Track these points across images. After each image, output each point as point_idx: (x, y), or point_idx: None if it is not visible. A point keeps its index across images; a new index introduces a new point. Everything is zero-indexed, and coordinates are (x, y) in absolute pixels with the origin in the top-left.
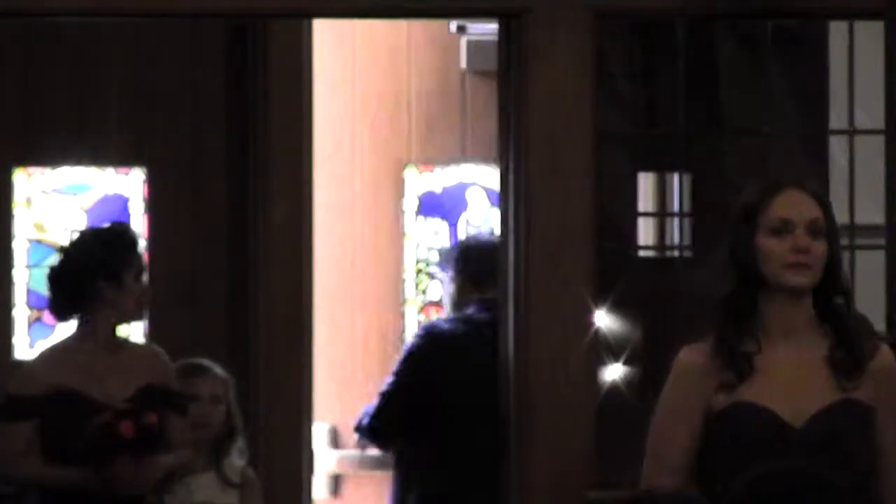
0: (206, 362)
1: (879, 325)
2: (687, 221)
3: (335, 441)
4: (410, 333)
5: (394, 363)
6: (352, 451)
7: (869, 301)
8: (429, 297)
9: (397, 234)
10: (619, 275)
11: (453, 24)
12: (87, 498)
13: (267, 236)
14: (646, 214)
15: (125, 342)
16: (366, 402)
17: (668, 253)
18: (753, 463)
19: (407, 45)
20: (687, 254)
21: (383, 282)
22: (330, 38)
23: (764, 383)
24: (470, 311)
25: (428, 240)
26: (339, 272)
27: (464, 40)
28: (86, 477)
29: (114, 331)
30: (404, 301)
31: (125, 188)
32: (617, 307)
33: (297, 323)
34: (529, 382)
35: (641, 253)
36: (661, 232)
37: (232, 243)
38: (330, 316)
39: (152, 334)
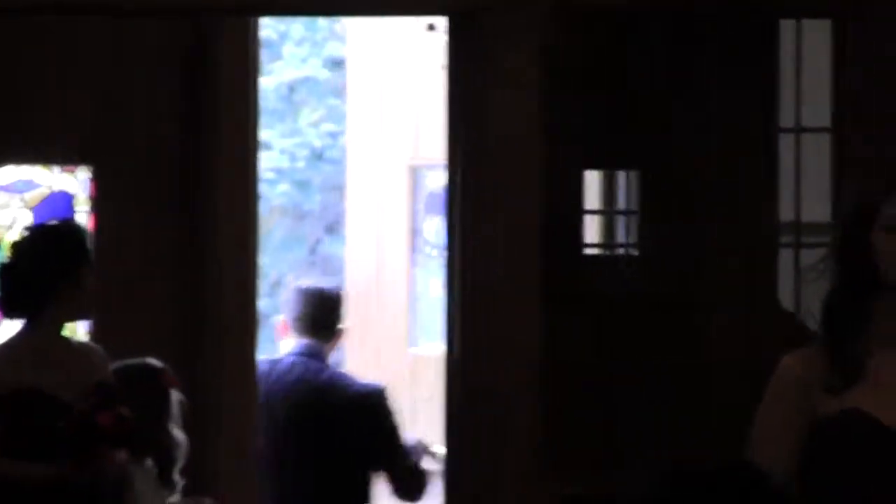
0: (156, 361)
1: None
2: (633, 219)
3: None
4: (419, 330)
5: (409, 359)
6: None
7: (815, 298)
8: (434, 295)
9: (411, 232)
10: (565, 272)
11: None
12: (46, 494)
13: (214, 234)
14: (592, 212)
15: (70, 340)
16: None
17: (615, 251)
18: (857, 472)
19: (409, 41)
20: (633, 252)
21: (401, 280)
22: (361, 35)
23: (873, 389)
24: (283, 354)
25: (432, 237)
26: (366, 271)
27: (436, 38)
28: (61, 472)
29: (62, 329)
30: (415, 298)
31: (71, 186)
32: (563, 305)
33: (244, 322)
34: (475, 381)
35: (588, 251)
36: (608, 230)
37: (179, 242)
38: (358, 314)
39: (97, 333)
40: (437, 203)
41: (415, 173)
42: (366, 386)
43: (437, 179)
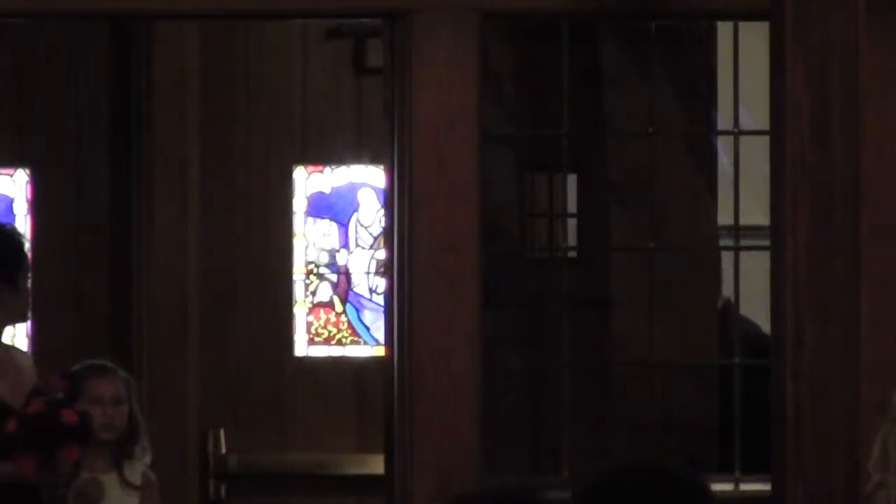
0: (109, 363)
1: (762, 326)
2: (572, 222)
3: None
4: (299, 335)
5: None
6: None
7: (754, 302)
8: (318, 298)
9: (287, 235)
10: (506, 275)
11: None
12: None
13: (151, 237)
14: (533, 215)
15: (6, 345)
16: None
17: (555, 253)
18: None
19: (302, 45)
20: (572, 254)
21: (274, 283)
22: (222, 37)
23: None
24: None
25: (318, 241)
26: (229, 274)
27: (351, 40)
28: (16, 470)
29: (1, 333)
30: (294, 302)
31: (9, 189)
32: (504, 307)
33: (180, 323)
34: (413, 382)
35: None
36: (549, 232)
37: (116, 244)
38: (220, 317)
39: (36, 336)
40: (323, 206)
41: (294, 173)
42: None
43: (322, 183)
